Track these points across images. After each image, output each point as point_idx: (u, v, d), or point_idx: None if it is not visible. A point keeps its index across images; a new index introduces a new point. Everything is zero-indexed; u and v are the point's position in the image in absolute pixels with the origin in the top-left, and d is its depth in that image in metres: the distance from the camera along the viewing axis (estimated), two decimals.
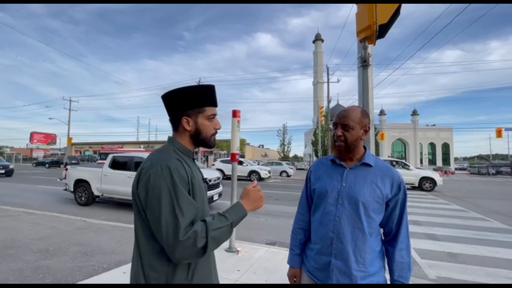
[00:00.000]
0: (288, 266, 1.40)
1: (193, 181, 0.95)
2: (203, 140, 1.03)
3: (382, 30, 2.30)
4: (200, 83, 1.07)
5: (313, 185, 1.33)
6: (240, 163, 18.40)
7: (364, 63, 2.58)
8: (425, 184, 13.70)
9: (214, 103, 1.04)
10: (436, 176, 13.89)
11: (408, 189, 13.45)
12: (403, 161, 17.07)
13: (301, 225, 1.38)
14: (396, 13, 2.22)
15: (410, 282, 1.20)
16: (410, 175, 13.88)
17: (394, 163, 14.97)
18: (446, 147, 44.70)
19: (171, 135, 1.07)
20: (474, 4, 6.30)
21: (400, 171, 13.64)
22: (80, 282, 3.04)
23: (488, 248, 4.77)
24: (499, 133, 25.56)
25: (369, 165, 1.23)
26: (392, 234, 1.22)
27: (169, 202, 0.85)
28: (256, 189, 1.06)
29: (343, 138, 1.21)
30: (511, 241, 5.26)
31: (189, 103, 0.99)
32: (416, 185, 13.82)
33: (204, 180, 1.08)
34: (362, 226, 1.15)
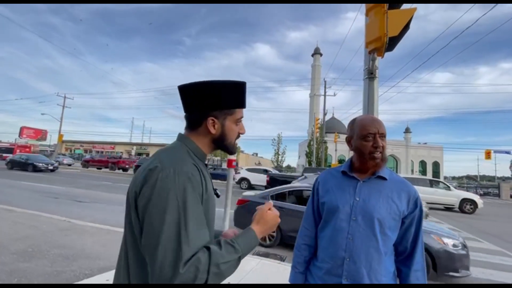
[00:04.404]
0: (289, 282, 1.27)
1: (208, 194, 0.80)
2: (226, 146, 0.89)
3: (392, 43, 2.27)
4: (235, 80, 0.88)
5: (322, 198, 1.23)
6: (265, 172, 17.46)
7: (370, 75, 2.54)
8: (466, 206, 12.62)
9: (244, 104, 0.89)
10: (476, 198, 12.87)
11: (441, 209, 13.06)
12: (442, 180, 15.85)
13: (307, 241, 1.27)
14: (407, 26, 2.21)
15: None
16: (451, 195, 12.99)
17: (434, 182, 13.89)
18: (436, 166, 45.37)
19: (182, 132, 0.89)
20: (467, 30, 6.40)
21: (440, 191, 13.15)
22: (79, 282, 2.85)
23: (481, 270, 4.72)
24: (488, 155, 26.14)
25: (384, 179, 1.14)
26: (406, 253, 1.13)
27: (176, 221, 0.67)
28: (273, 211, 0.87)
29: (381, 149, 1.11)
30: (504, 263, 5.22)
31: (218, 102, 0.83)
32: (457, 206, 12.87)
33: (215, 192, 0.91)
34: (378, 245, 1.06)
